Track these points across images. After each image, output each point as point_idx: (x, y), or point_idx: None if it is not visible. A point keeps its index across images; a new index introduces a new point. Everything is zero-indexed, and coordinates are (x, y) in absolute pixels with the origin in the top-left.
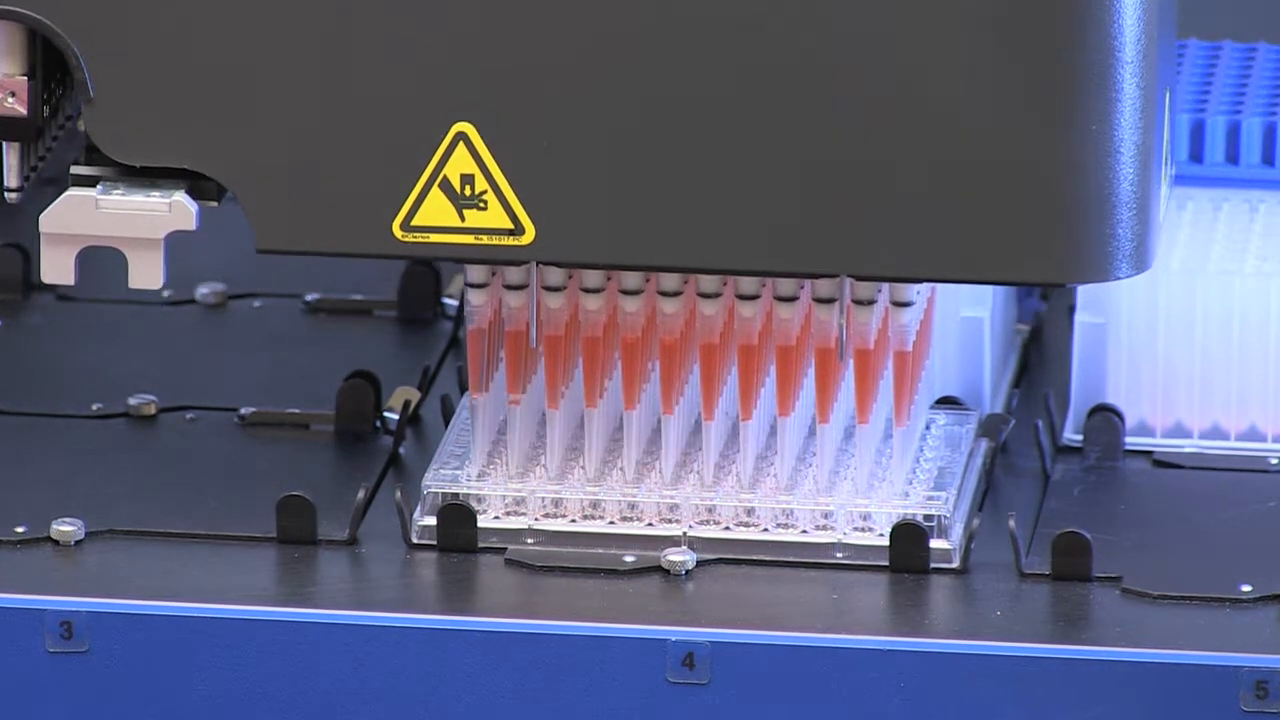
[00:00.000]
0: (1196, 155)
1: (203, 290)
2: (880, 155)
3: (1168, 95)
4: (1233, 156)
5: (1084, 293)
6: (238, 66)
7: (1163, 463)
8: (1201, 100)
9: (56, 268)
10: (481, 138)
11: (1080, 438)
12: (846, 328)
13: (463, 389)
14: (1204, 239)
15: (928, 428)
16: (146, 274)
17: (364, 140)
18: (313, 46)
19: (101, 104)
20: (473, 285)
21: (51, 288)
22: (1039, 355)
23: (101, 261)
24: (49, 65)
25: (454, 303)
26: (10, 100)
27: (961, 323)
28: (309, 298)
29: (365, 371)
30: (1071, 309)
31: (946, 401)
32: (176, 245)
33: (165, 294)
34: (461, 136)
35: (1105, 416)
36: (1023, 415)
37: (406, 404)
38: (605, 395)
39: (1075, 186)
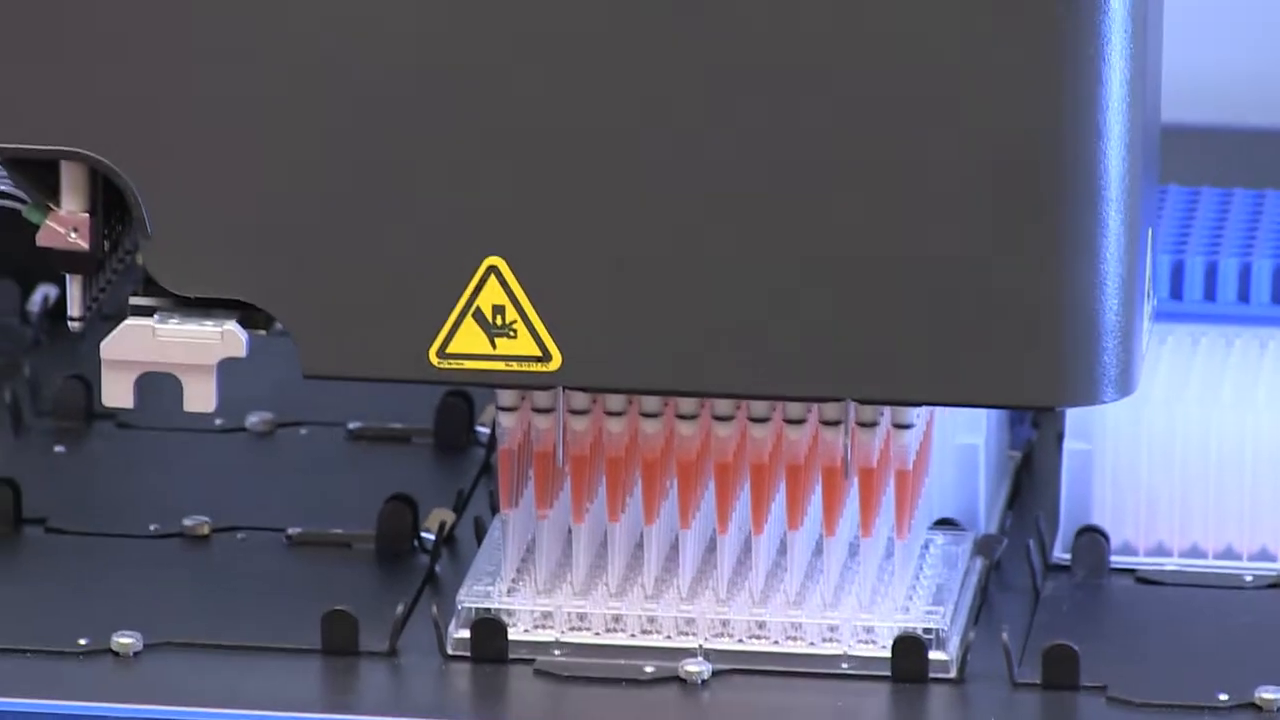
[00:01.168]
0: (1176, 293)
1: (252, 419)
2: (884, 290)
3: (1150, 233)
4: (1210, 294)
5: (1071, 421)
6: (285, 207)
7: (1146, 580)
8: (1181, 241)
9: (116, 392)
10: (511, 271)
11: (1069, 556)
12: (851, 448)
13: (494, 510)
14: (1182, 371)
15: (926, 547)
16: (200, 398)
17: (402, 273)
18: (354, 188)
19: (158, 240)
20: (503, 409)
21: (111, 415)
22: (1030, 480)
23: (158, 390)
24: (109, 203)
25: (486, 430)
26: (73, 235)
27: (958, 449)
28: (351, 426)
29: (404, 495)
30: (1060, 436)
31: (944, 523)
32: (227, 375)
33: (217, 422)
34: (493, 270)
35: (1092, 537)
36: (1015, 535)
37: (442, 525)
38: (627, 511)
39: (1065, 317)
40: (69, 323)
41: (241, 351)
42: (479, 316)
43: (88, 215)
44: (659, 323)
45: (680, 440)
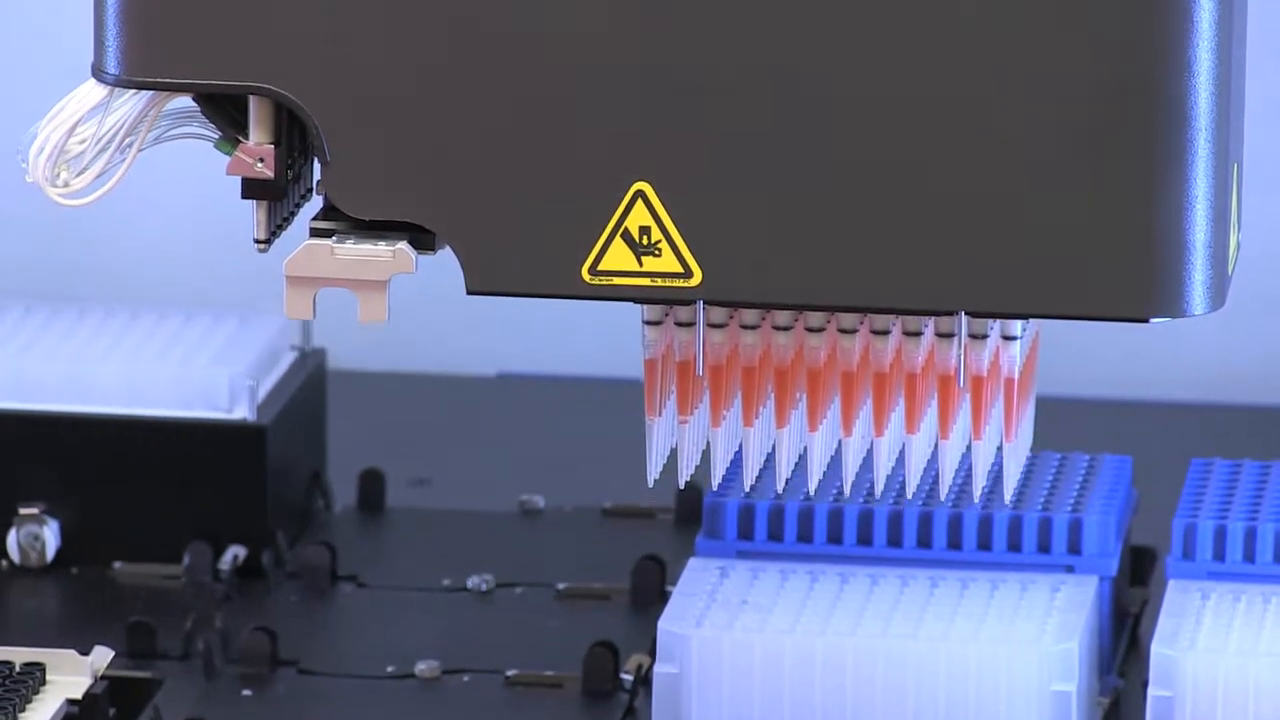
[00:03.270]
0: (1249, 555)
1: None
2: (994, 212)
3: (1235, 168)
4: (1250, 555)
5: (1155, 670)
6: (451, 138)
7: None
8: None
9: (297, 306)
10: (656, 194)
11: None
12: (963, 358)
13: None
14: (1255, 627)
15: None
16: (373, 310)
17: (557, 198)
18: (514, 120)
19: (336, 167)
20: (648, 322)
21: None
22: None
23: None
24: (292, 136)
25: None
26: (259, 165)
27: (1053, 695)
28: (559, 586)
29: (606, 641)
30: (1145, 684)
31: None
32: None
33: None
34: (640, 194)
35: None
36: None
37: (639, 667)
38: (760, 417)
39: (1158, 237)
40: (256, 245)
41: (411, 268)
42: (627, 236)
43: (273, 146)
44: (789, 243)
45: (808, 351)
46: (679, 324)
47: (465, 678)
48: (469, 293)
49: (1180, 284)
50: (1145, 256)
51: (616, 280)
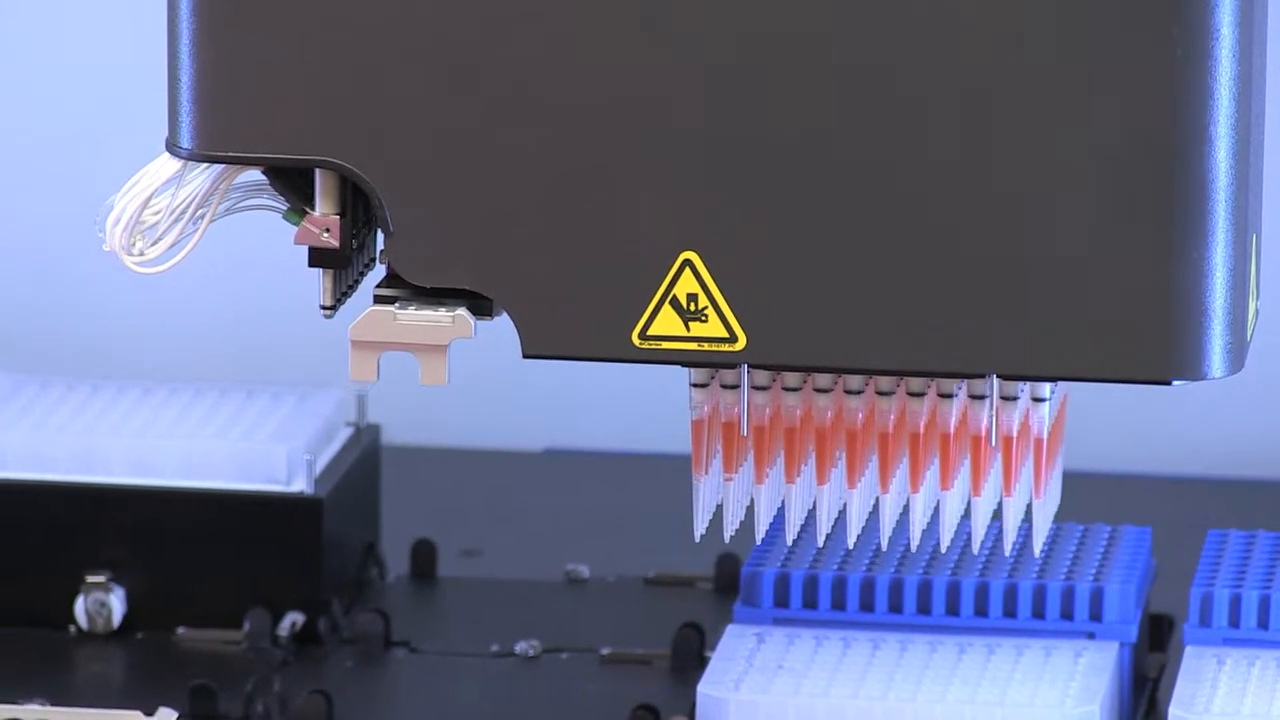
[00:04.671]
0: (1263, 623)
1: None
2: (1022, 280)
3: (1254, 239)
4: (1264, 623)
5: None
6: (508, 210)
7: None
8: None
9: (361, 370)
10: (704, 263)
11: None
12: (995, 420)
13: None
14: (1269, 691)
15: None
16: (434, 374)
17: (608, 266)
18: (568, 192)
19: (398, 237)
20: (695, 385)
21: None
22: None
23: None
24: (356, 207)
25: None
26: (325, 235)
27: None
28: (603, 651)
29: (648, 704)
30: None
31: None
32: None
33: None
34: (688, 263)
35: None
36: None
37: None
38: (801, 475)
39: (1179, 304)
40: (322, 311)
41: (470, 334)
42: (675, 303)
43: (338, 217)
44: (829, 309)
45: (847, 413)
46: (724, 386)
47: None
48: (525, 356)
49: (1200, 348)
50: (1165, 322)
51: (665, 345)
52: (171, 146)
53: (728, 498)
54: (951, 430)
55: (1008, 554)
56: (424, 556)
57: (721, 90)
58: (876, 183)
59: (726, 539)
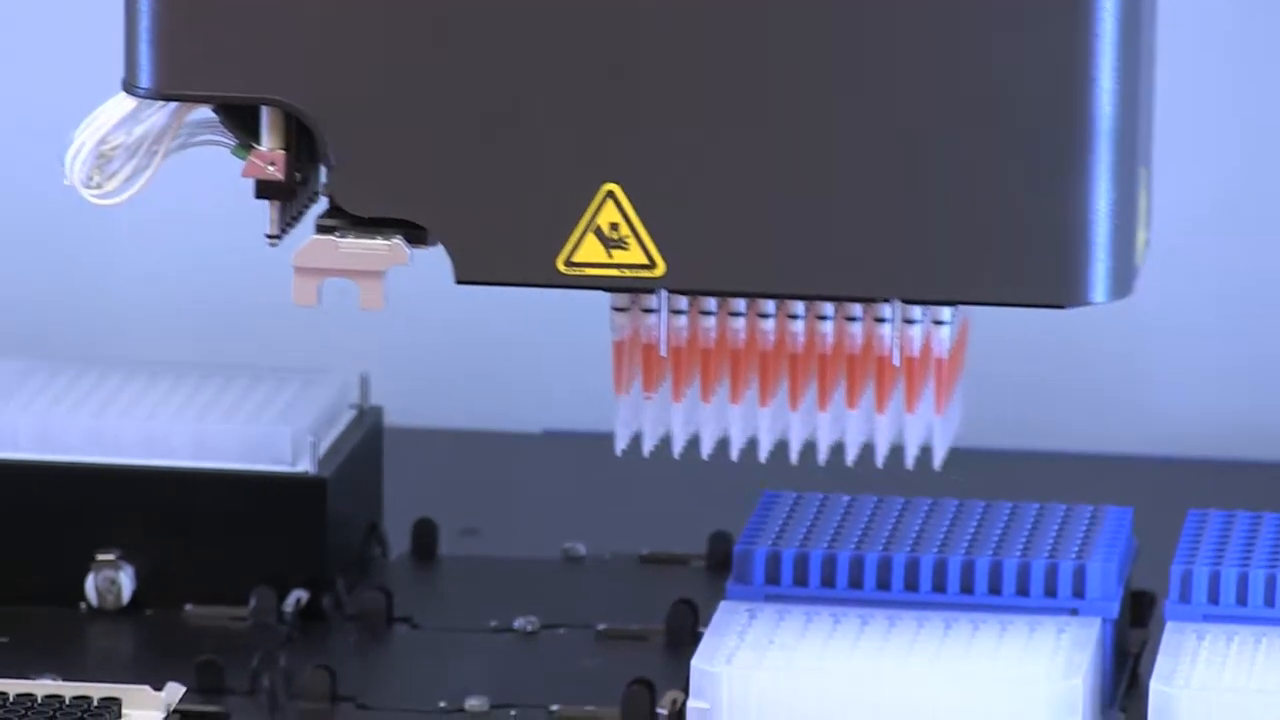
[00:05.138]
0: (1270, 600)
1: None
2: (925, 209)
3: (1144, 172)
4: (1243, 599)
5: (1154, 705)
6: (443, 144)
7: None
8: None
9: (303, 294)
10: (625, 195)
11: None
12: (899, 341)
13: None
14: (1247, 665)
15: None
16: (371, 299)
17: (536, 198)
18: (499, 129)
19: (338, 170)
20: (617, 309)
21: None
22: None
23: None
24: (301, 142)
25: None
26: (271, 168)
27: None
28: (599, 627)
29: (643, 679)
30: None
31: None
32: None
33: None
34: (610, 194)
35: None
36: None
37: (674, 702)
38: (716, 394)
39: (1068, 232)
40: (267, 239)
41: (405, 260)
42: (598, 232)
43: (283, 152)
44: (744, 237)
45: (760, 335)
46: (644, 310)
47: (512, 713)
48: (457, 282)
49: (1086, 274)
50: (1053, 249)
51: (588, 271)
52: (128, 86)
53: (646, 416)
54: (858, 352)
55: (909, 467)
56: (425, 535)
57: (638, 30)
58: (786, 119)
59: (645, 453)
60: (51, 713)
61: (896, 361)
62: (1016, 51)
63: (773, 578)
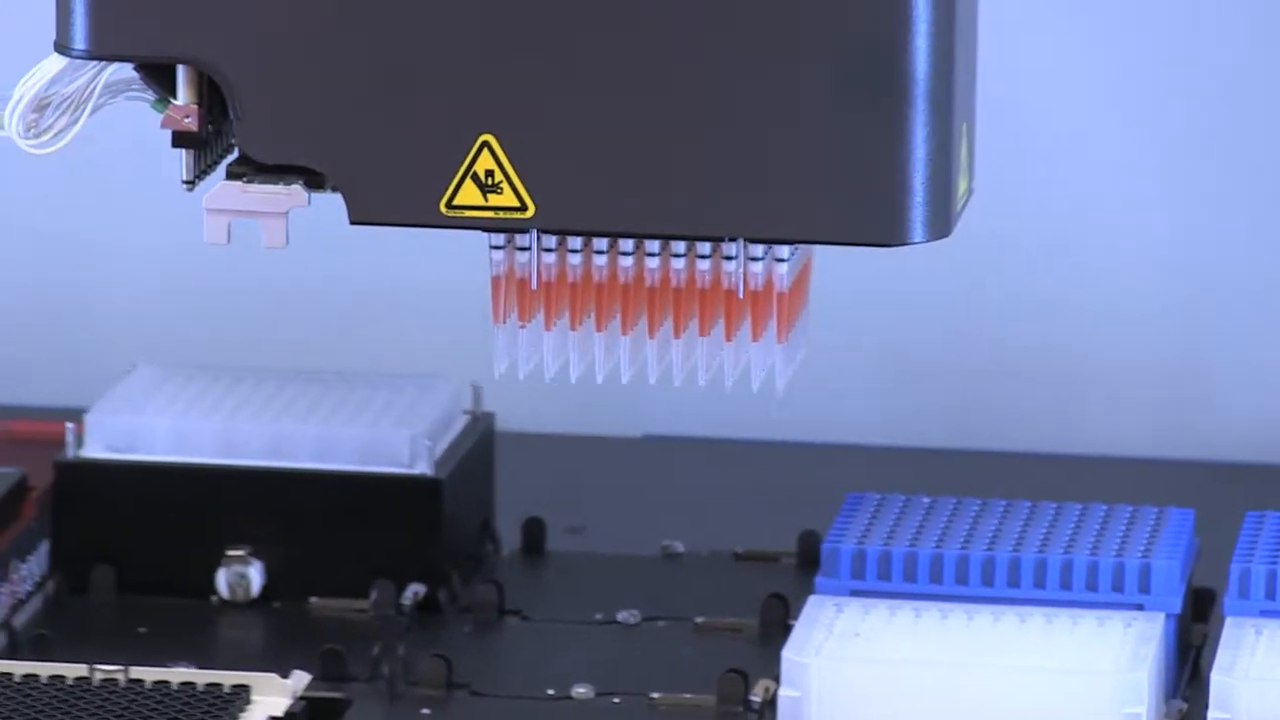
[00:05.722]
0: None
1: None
2: (759, 158)
3: (965, 127)
4: None
5: (1214, 695)
6: (334, 97)
7: None
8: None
9: (214, 233)
10: (499, 144)
11: None
12: (744, 276)
13: None
14: None
15: None
16: (274, 237)
17: (420, 147)
18: (382, 82)
19: (244, 122)
20: (494, 247)
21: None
22: None
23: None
24: (213, 97)
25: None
26: (186, 120)
27: (1125, 718)
28: (697, 620)
29: (738, 669)
30: (1205, 708)
31: None
32: None
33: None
34: (485, 144)
35: None
36: None
37: (766, 689)
38: (583, 323)
39: (889, 178)
40: (183, 185)
41: (304, 203)
42: (475, 178)
43: (196, 106)
44: (605, 183)
45: (623, 272)
46: (518, 249)
47: (615, 699)
48: (351, 223)
49: (906, 217)
50: (876, 193)
51: (467, 213)
52: (60, 48)
53: (521, 344)
54: (708, 286)
55: (755, 390)
56: (534, 533)
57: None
58: (640, 75)
59: (520, 378)
60: (186, 699)
61: (741, 294)
62: (841, 17)
63: (858, 574)
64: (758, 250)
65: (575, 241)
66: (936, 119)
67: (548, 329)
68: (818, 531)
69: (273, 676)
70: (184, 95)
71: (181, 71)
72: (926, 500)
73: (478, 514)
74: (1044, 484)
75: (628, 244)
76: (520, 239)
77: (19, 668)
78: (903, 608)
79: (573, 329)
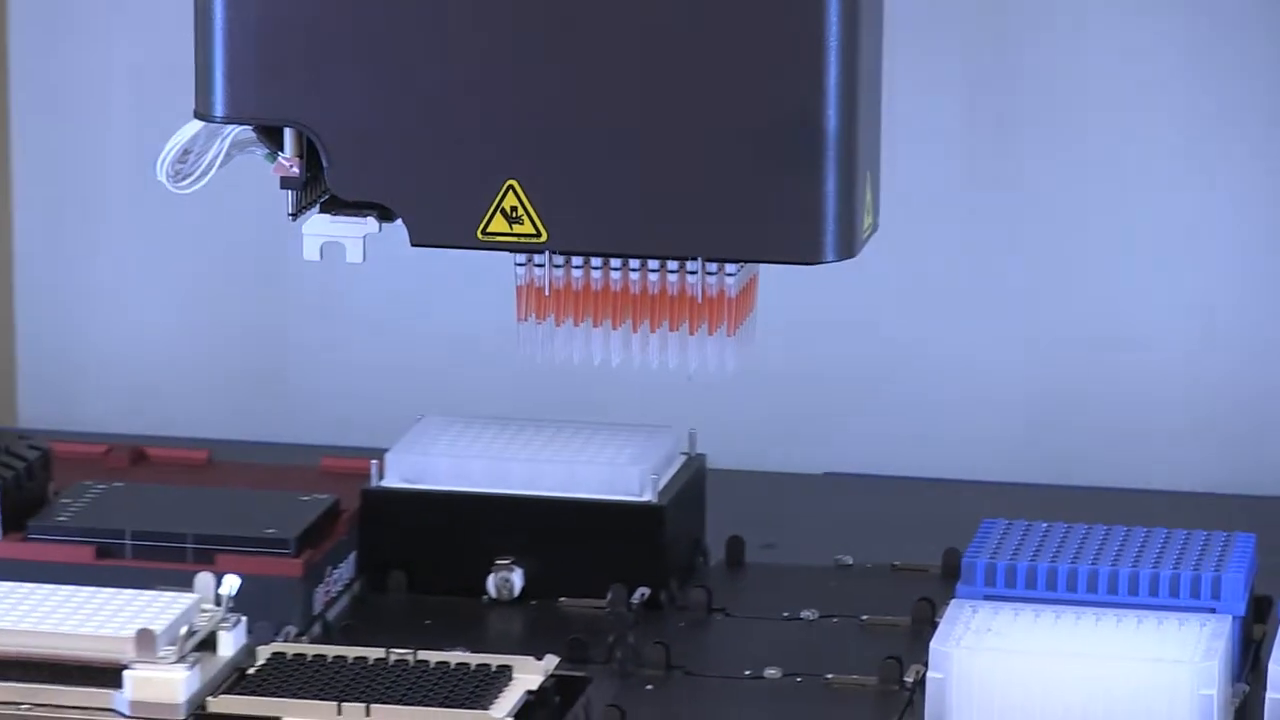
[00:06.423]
0: None
1: (804, 613)
2: (697, 192)
3: (869, 175)
4: None
5: (1272, 680)
6: (402, 149)
7: None
8: None
9: (310, 250)
10: (521, 188)
11: None
12: (701, 285)
13: None
14: None
15: None
16: (354, 254)
17: (464, 188)
18: (438, 137)
19: (334, 169)
20: (518, 264)
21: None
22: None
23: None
24: (311, 151)
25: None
26: (291, 169)
27: (1200, 698)
28: (863, 618)
29: (894, 656)
30: (1264, 690)
31: None
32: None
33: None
34: (510, 187)
35: None
36: None
37: (917, 670)
38: (584, 322)
39: (808, 210)
40: (289, 216)
41: (376, 229)
42: (503, 212)
43: (298, 158)
44: (601, 214)
45: (612, 282)
46: (536, 265)
47: (798, 679)
48: (413, 244)
49: (819, 240)
50: (797, 224)
51: (497, 239)
52: (199, 115)
53: (539, 338)
54: (675, 293)
55: (711, 372)
56: (735, 548)
57: (530, 64)
58: (623, 140)
59: (538, 362)
60: (461, 676)
61: (700, 299)
62: (775, 95)
63: (990, 582)
64: (712, 266)
65: (579, 259)
66: (843, 165)
67: (558, 325)
68: (958, 549)
69: (529, 659)
70: (289, 149)
71: (288, 132)
72: (1044, 525)
73: (692, 533)
74: (1131, 513)
75: (617, 261)
76: (537, 258)
77: (331, 650)
78: (1025, 610)
79: (575, 326)
